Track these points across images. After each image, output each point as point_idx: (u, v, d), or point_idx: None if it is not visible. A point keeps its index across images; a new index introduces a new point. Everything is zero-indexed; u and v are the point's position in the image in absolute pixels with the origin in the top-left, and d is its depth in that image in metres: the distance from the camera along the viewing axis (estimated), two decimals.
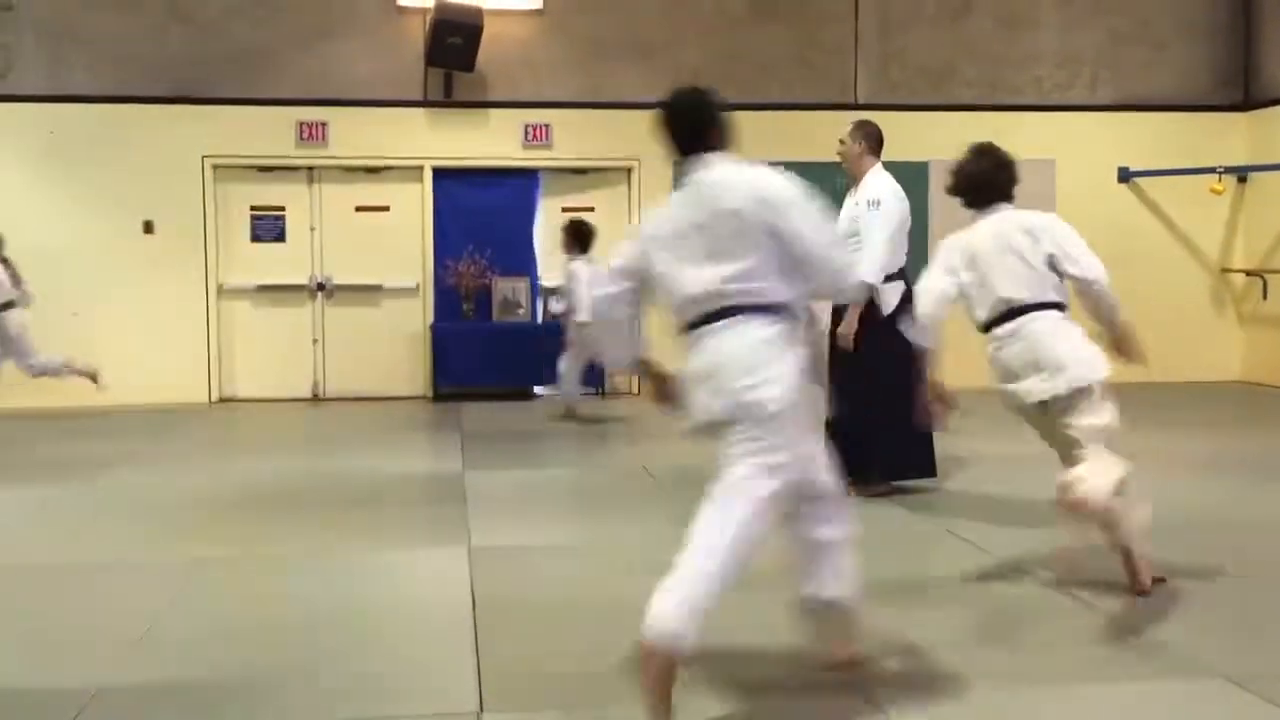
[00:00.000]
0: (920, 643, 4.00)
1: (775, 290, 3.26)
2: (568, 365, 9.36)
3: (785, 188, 3.38)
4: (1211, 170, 11.03)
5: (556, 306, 9.45)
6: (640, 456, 7.60)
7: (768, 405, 3.19)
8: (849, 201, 6.35)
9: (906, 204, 6.23)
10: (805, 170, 12.83)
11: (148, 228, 10.47)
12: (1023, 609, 4.39)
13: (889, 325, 6.05)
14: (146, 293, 10.34)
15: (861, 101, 11.18)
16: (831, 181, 11.65)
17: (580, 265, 9.06)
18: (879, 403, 5.99)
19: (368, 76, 10.72)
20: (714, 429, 3.37)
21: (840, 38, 11.33)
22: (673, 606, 3.11)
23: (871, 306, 6.09)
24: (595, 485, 6.86)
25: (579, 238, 9.31)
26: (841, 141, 6.40)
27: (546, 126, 11.02)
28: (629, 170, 11.25)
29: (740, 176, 3.37)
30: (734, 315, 3.25)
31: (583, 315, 8.47)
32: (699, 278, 3.28)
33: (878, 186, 6.18)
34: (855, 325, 6.09)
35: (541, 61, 11.01)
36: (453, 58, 10.55)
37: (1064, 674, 3.67)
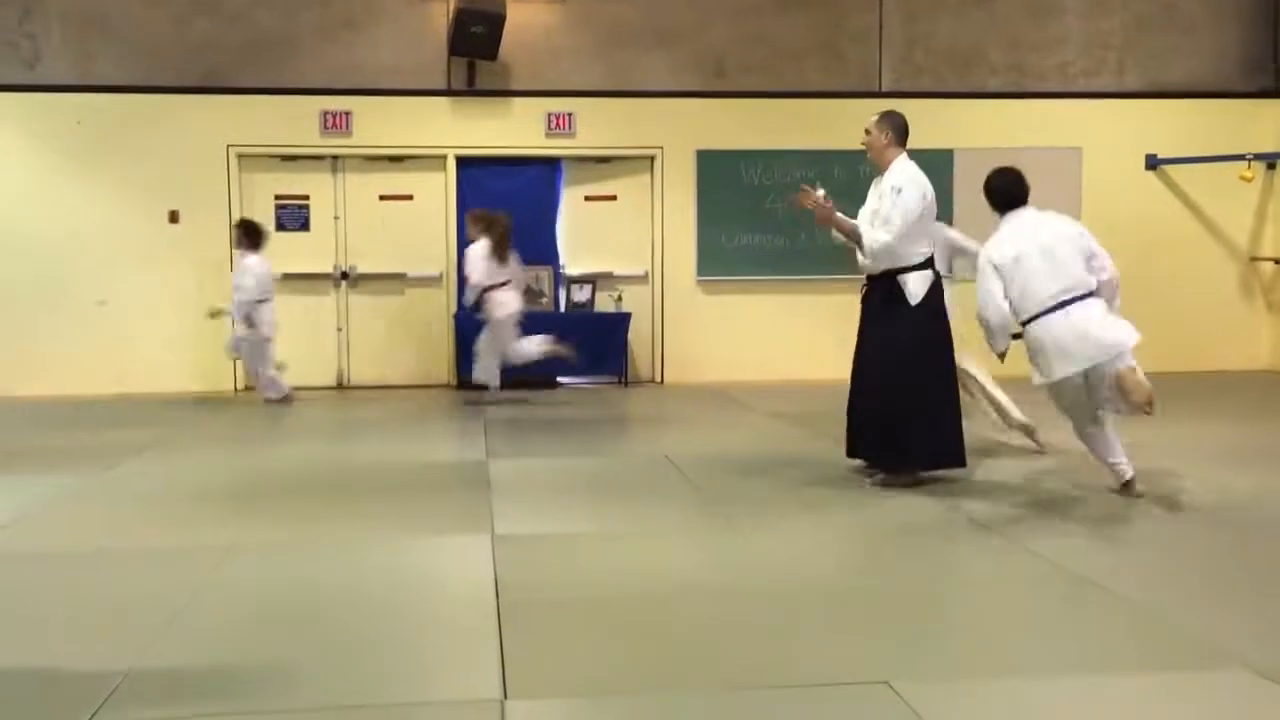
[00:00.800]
0: (944, 631, 4.00)
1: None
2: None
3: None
4: (1240, 157, 10.92)
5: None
6: (664, 446, 7.61)
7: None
8: (873, 191, 6.37)
9: (931, 194, 6.22)
10: (828, 158, 12.83)
11: (173, 217, 10.54)
12: (1047, 599, 4.37)
13: (919, 314, 6.12)
14: (171, 281, 10.41)
15: (885, 89, 11.13)
16: (855, 169, 11.62)
17: (254, 260, 9.65)
18: (910, 392, 6.07)
19: (391, 65, 10.74)
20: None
21: (864, 24, 11.27)
22: None
23: (901, 296, 6.13)
24: (618, 474, 6.87)
25: (249, 235, 9.77)
26: (867, 132, 6.39)
27: (569, 115, 11.02)
28: (651, 159, 11.24)
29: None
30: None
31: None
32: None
33: (901, 174, 6.22)
34: None
35: (564, 49, 11.00)
36: (476, 46, 10.55)
37: (1086, 664, 3.66)
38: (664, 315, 11.31)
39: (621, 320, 10.99)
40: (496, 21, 10.37)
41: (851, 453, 6.51)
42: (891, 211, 6.10)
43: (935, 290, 6.21)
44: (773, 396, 9.86)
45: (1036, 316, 5.76)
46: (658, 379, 11.26)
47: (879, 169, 6.34)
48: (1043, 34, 11.45)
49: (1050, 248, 5.80)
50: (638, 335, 11.20)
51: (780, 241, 11.27)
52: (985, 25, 11.42)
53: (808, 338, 10.91)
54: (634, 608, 4.28)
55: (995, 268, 5.90)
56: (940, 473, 6.27)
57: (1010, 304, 5.85)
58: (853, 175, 11.07)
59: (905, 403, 6.07)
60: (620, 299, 11.19)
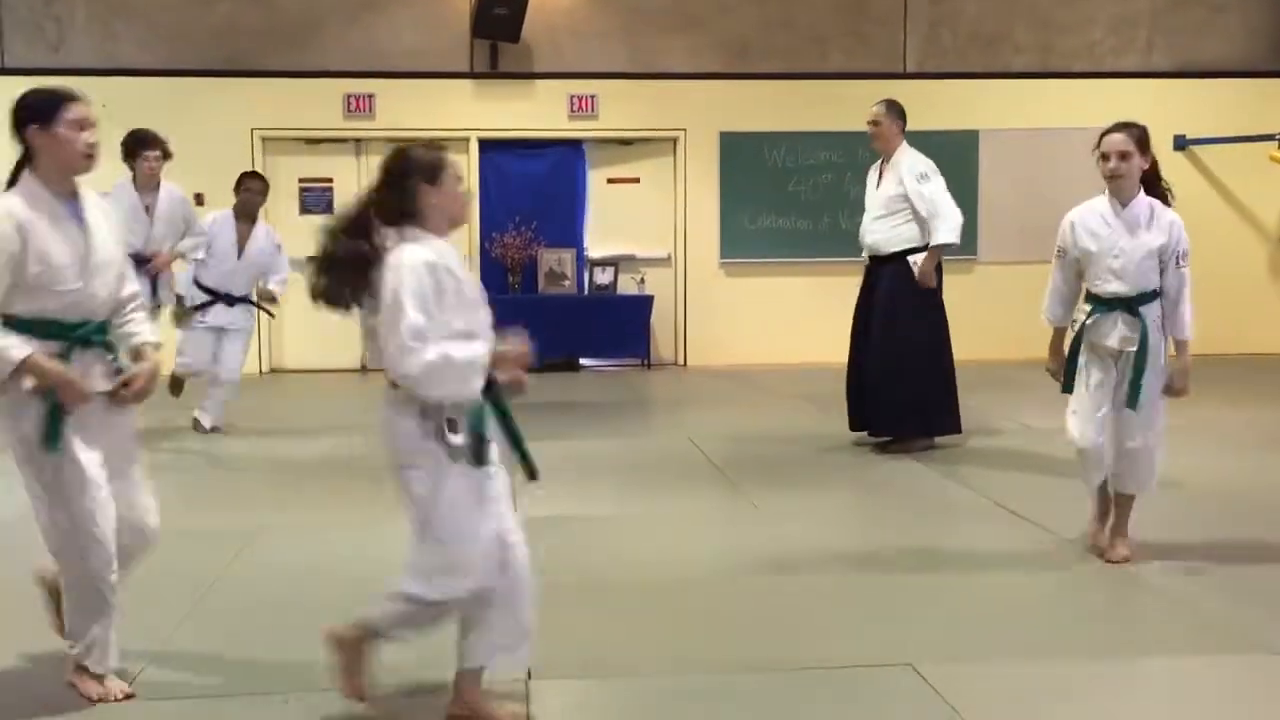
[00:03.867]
0: (968, 615, 3.98)
1: None
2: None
3: None
4: (1271, 138, 10.78)
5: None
6: (688, 429, 7.60)
7: None
8: (880, 178, 6.70)
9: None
10: (852, 140, 12.74)
11: (198, 200, 10.56)
12: (1069, 583, 4.36)
13: (925, 291, 6.55)
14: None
15: (910, 70, 11.05)
16: (875, 154, 11.47)
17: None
18: (914, 363, 6.52)
19: (414, 48, 10.74)
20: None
21: (889, 5, 11.18)
22: None
23: (909, 273, 6.53)
24: (641, 457, 6.87)
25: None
26: (876, 122, 6.69)
27: (592, 97, 10.99)
28: (674, 141, 11.20)
29: None
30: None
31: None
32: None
33: (916, 160, 6.58)
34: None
35: (587, 32, 10.97)
36: (499, 28, 10.54)
37: (1109, 648, 3.64)
38: (687, 298, 11.28)
39: (644, 303, 10.98)
40: (519, 3, 10.35)
41: (856, 426, 6.82)
42: (935, 198, 6.47)
43: (938, 269, 6.65)
44: (796, 379, 9.84)
45: None
46: (680, 361, 11.25)
47: (886, 155, 6.70)
48: (1070, 13, 11.33)
49: None
50: (660, 318, 11.19)
51: (804, 224, 11.22)
52: (1011, 4, 11.31)
53: (831, 320, 10.81)
54: (658, 590, 4.29)
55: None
56: (970, 456, 6.38)
57: None
58: (875, 158, 11.03)
59: (910, 372, 6.50)
60: (643, 281, 11.18)
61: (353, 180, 10.96)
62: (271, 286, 7.65)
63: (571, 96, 10.98)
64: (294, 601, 4.15)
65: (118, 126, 10.83)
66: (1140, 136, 4.42)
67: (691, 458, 6.74)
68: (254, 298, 7.73)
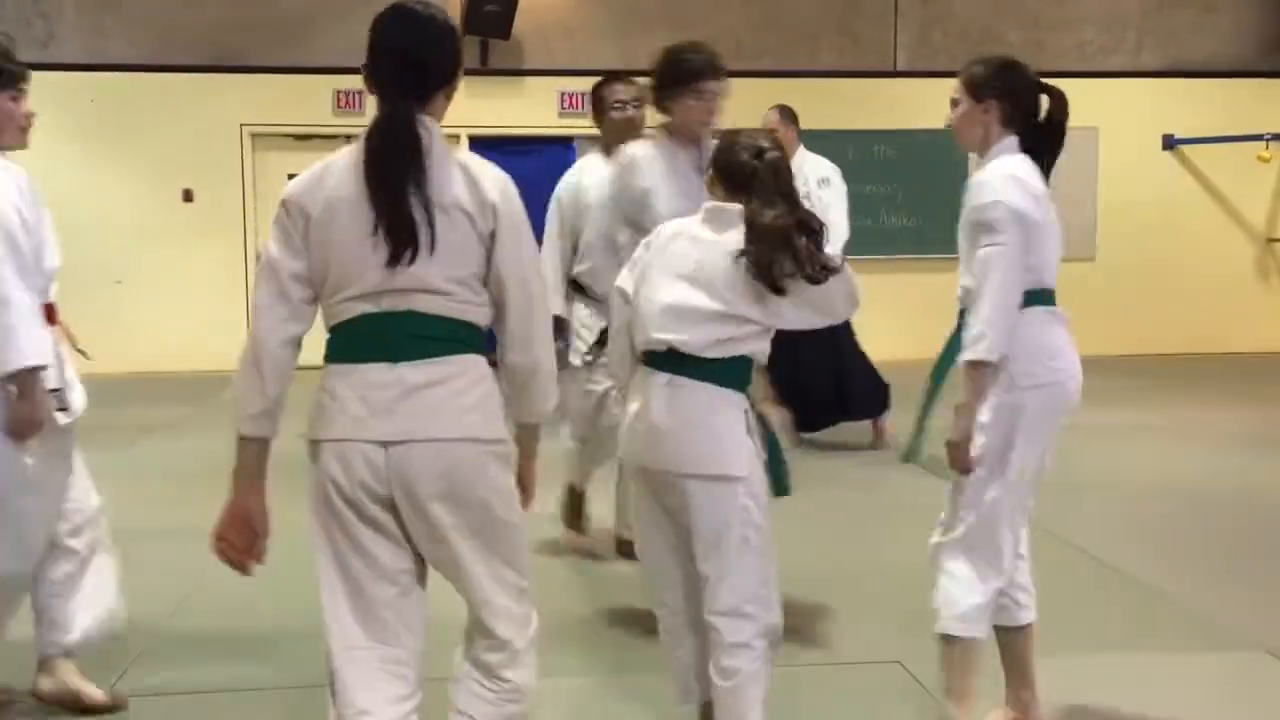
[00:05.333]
0: None
1: None
2: None
3: None
4: (1259, 138, 10.83)
5: None
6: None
7: None
8: None
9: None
10: (846, 139, 12.76)
11: (187, 196, 10.55)
12: (1062, 580, 4.37)
13: None
14: (186, 261, 10.42)
15: (901, 68, 11.06)
16: (871, 150, 11.49)
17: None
18: (853, 351, 6.76)
19: None
20: None
21: (880, 4, 11.19)
22: None
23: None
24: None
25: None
26: (774, 130, 6.65)
27: (583, 95, 10.93)
28: None
29: None
30: None
31: None
32: None
33: (820, 165, 6.79)
34: None
35: (579, 28, 10.96)
36: (489, 25, 10.52)
37: (1102, 645, 3.65)
38: None
39: None
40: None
41: (807, 427, 6.66)
42: (833, 203, 6.67)
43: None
44: None
45: None
46: None
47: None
48: (1060, 12, 11.35)
49: None
50: None
51: None
52: (1002, 4, 11.33)
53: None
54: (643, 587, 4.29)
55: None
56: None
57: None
58: (868, 156, 11.04)
59: (853, 363, 6.76)
60: None
61: None
62: None
63: (562, 94, 10.97)
64: (280, 598, 4.14)
65: (107, 123, 10.89)
66: (975, 78, 3.05)
67: None
68: None
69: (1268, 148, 10.80)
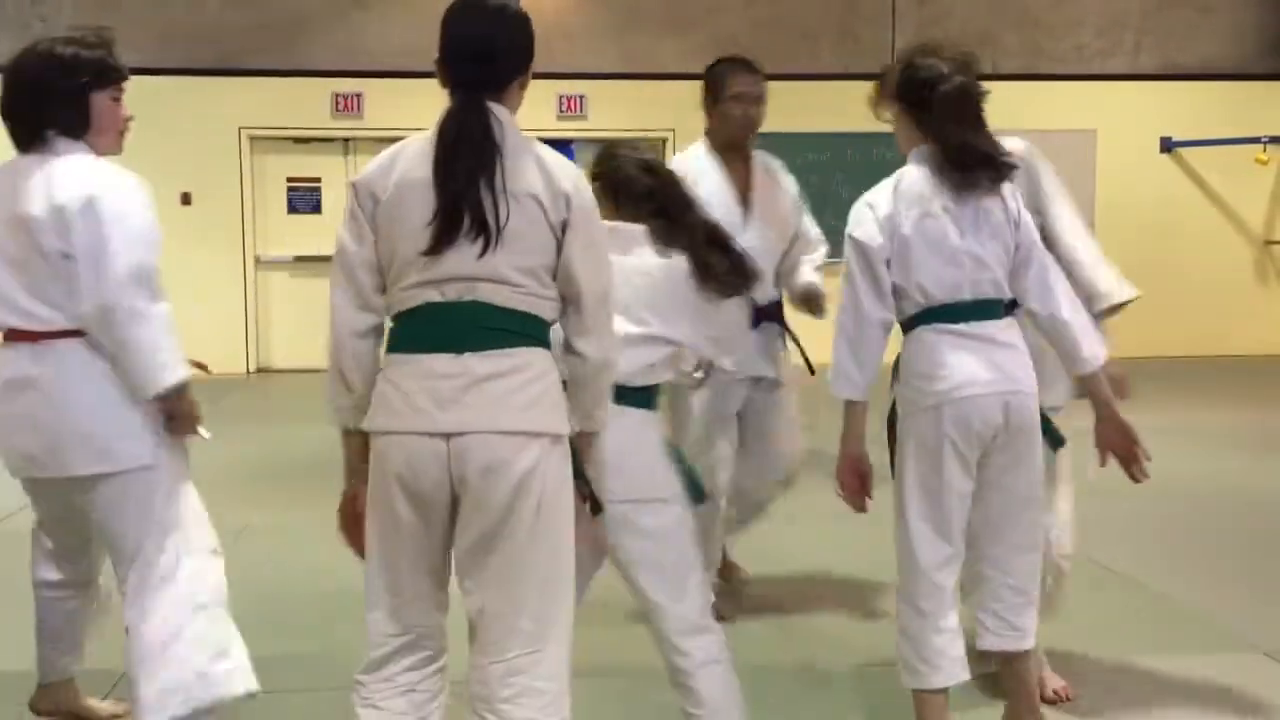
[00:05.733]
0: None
1: None
2: None
3: None
4: (1256, 140, 10.84)
5: None
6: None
7: None
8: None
9: None
10: (841, 140, 12.74)
11: (186, 199, 10.55)
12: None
13: None
14: (184, 264, 10.38)
15: None
16: (869, 152, 11.51)
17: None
18: None
19: (402, 47, 10.71)
20: None
21: (878, 6, 11.21)
22: None
23: None
24: None
25: None
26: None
27: (581, 97, 10.99)
28: (664, 141, 11.20)
29: None
30: None
31: None
32: None
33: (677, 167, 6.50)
34: None
35: (577, 31, 10.97)
36: None
37: (1101, 645, 3.65)
38: None
39: None
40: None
41: None
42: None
43: None
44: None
45: None
46: None
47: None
48: (1058, 15, 11.37)
49: None
50: None
51: None
52: (1000, 6, 11.35)
53: (821, 321, 10.89)
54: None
55: None
56: None
57: None
58: (866, 157, 11.06)
59: None
60: None
61: (341, 180, 10.95)
62: None
63: (560, 96, 10.98)
64: (278, 601, 4.14)
65: None
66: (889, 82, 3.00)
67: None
68: None
69: (1265, 150, 10.83)
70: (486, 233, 2.14)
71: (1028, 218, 2.86)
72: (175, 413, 2.84)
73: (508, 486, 2.15)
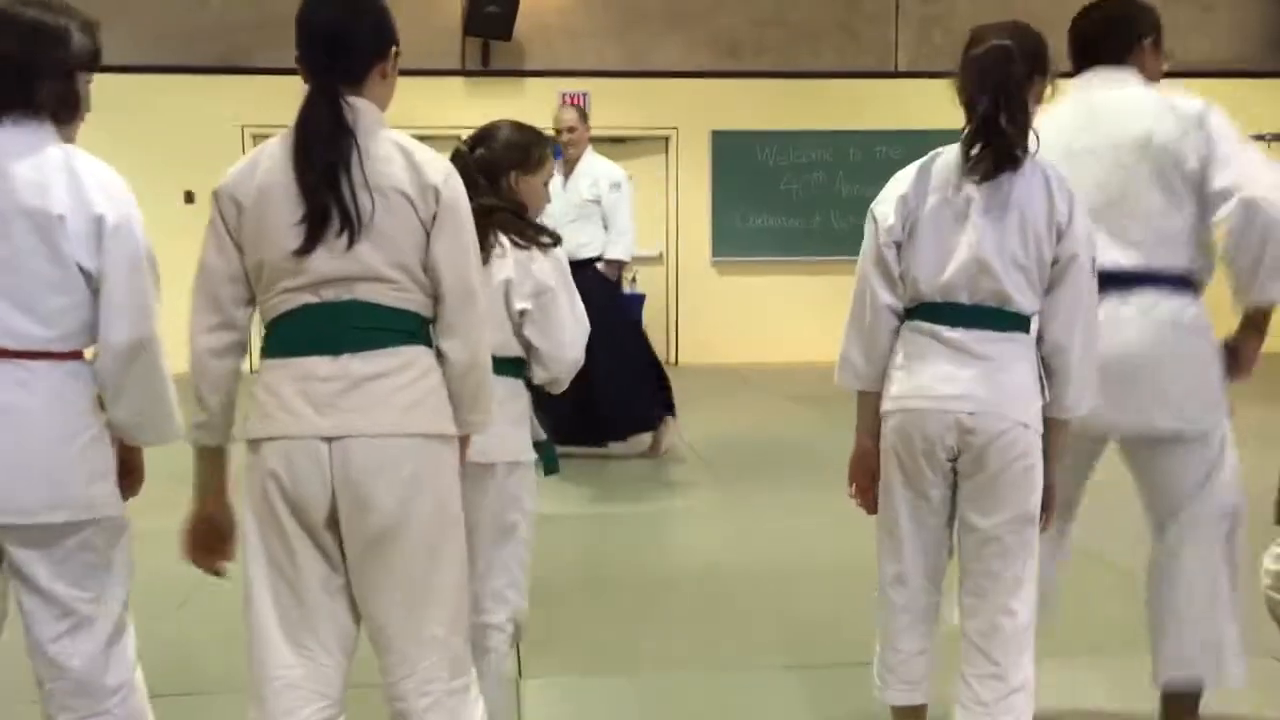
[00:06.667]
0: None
1: None
2: None
3: None
4: (1259, 138, 10.82)
5: None
6: (679, 427, 7.60)
7: None
8: (567, 184, 6.61)
9: None
10: (844, 139, 12.74)
11: (188, 198, 10.56)
12: (1062, 579, 4.35)
13: (610, 296, 6.68)
14: (186, 262, 10.36)
15: (902, 69, 11.06)
16: (872, 150, 11.50)
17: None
18: (642, 359, 6.69)
19: (405, 45, 10.55)
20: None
21: (881, 4, 11.19)
22: None
23: (610, 279, 6.67)
24: (631, 455, 6.86)
25: None
26: (572, 129, 6.75)
27: (584, 95, 10.98)
28: (666, 139, 11.20)
29: None
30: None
31: None
32: None
33: (611, 169, 6.73)
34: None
35: (580, 29, 10.96)
36: (490, 26, 10.52)
37: (1102, 645, 3.64)
38: (679, 296, 11.29)
39: (636, 301, 10.97)
40: (511, 1, 10.34)
41: (602, 439, 6.57)
42: (620, 207, 6.63)
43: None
44: (788, 378, 9.85)
45: None
46: (672, 360, 11.25)
47: (574, 161, 6.73)
48: (1062, 12, 11.29)
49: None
50: (652, 316, 11.18)
51: (795, 223, 11.23)
52: (1004, 3, 11.31)
53: (823, 319, 10.84)
54: (648, 587, 4.29)
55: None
56: None
57: None
58: (869, 156, 11.05)
59: (643, 370, 6.64)
60: (635, 280, 11.17)
61: None
62: None
63: (563, 94, 10.95)
64: None
65: (107, 124, 10.86)
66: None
67: (683, 457, 6.73)
68: None
69: (1269, 147, 10.81)
70: (350, 224, 2.07)
71: (1081, 227, 2.49)
72: (135, 466, 2.56)
73: (397, 490, 2.09)
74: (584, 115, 6.90)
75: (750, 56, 11.01)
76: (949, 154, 2.59)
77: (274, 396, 2.15)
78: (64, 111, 2.39)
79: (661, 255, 11.29)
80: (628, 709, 3.31)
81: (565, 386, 2.81)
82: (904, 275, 2.55)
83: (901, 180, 2.60)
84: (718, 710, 3.26)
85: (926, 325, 2.52)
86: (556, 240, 2.80)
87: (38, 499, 2.23)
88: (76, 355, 2.28)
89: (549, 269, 2.72)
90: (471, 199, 2.27)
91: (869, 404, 2.64)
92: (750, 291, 11.21)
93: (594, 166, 6.74)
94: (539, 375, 2.77)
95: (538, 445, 2.82)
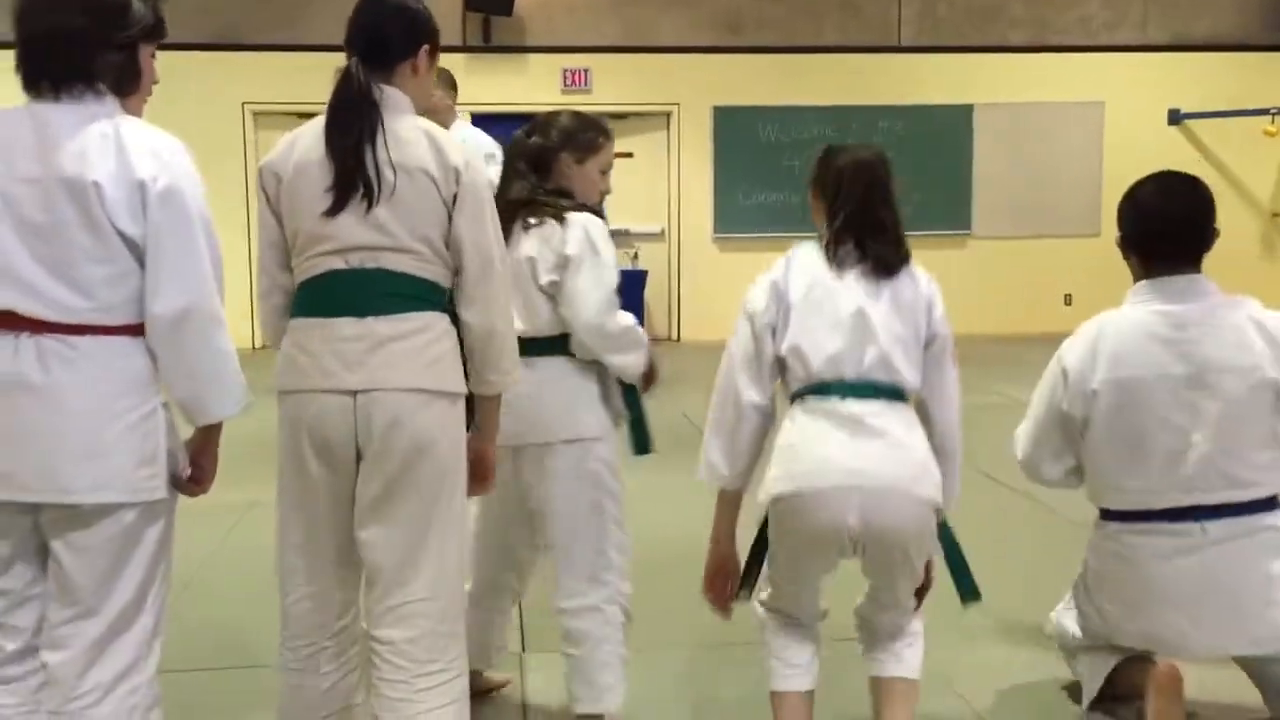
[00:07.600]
0: (943, 584, 4.00)
1: None
2: None
3: None
4: (1265, 112, 10.78)
5: None
6: (682, 405, 7.60)
7: None
8: None
9: None
10: (846, 113, 12.64)
11: None
12: (1049, 545, 4.37)
13: None
14: None
15: (905, 43, 11.01)
16: (874, 124, 11.42)
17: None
18: None
19: None
20: None
21: None
22: None
23: None
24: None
25: None
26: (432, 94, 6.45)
27: (585, 71, 10.95)
28: (668, 115, 11.16)
29: None
30: None
31: None
32: None
33: (486, 140, 6.03)
34: None
35: (580, 5, 10.92)
36: (492, 2, 10.48)
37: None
38: (680, 272, 11.28)
39: (638, 278, 10.97)
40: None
41: None
42: (493, 179, 6.46)
43: None
44: None
45: None
46: (674, 336, 11.25)
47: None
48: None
49: None
50: (654, 293, 11.18)
51: (797, 199, 11.18)
52: None
53: None
54: (651, 564, 4.29)
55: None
56: None
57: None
58: (870, 131, 11.00)
59: None
60: (636, 256, 11.16)
61: None
62: None
63: (565, 70, 10.94)
64: None
65: None
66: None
67: (685, 432, 6.73)
68: None
69: (1274, 122, 10.77)
70: (370, 191, 2.27)
71: (942, 311, 2.63)
72: (206, 450, 2.46)
73: (410, 439, 2.28)
74: (443, 82, 6.08)
75: (752, 31, 10.96)
76: (809, 246, 2.70)
77: (304, 353, 2.36)
78: (127, 84, 2.37)
79: (663, 232, 11.27)
80: (631, 685, 3.32)
81: (617, 365, 2.85)
82: (785, 359, 2.58)
83: (771, 271, 2.71)
84: (724, 685, 3.27)
85: (815, 401, 2.53)
86: (590, 210, 2.88)
87: (77, 479, 2.16)
88: (128, 330, 2.22)
89: (570, 238, 2.80)
90: (505, 192, 2.57)
91: (729, 504, 2.75)
92: (752, 267, 11.06)
93: (465, 137, 6.24)
94: (579, 350, 2.83)
95: (630, 424, 2.94)
